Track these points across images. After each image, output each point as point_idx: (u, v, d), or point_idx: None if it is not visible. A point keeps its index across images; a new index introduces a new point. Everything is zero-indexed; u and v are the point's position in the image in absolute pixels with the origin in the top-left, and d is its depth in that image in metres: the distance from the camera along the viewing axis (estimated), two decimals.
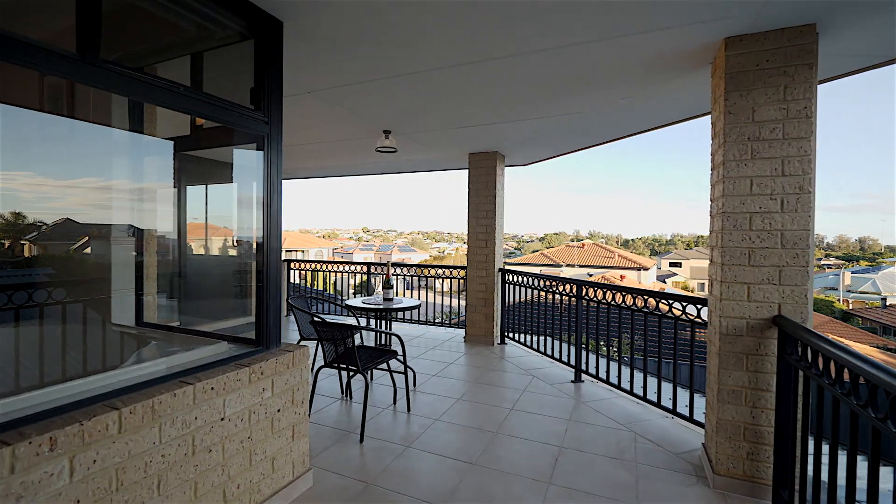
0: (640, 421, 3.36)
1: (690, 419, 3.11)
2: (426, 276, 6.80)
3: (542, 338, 5.35)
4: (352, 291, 7.69)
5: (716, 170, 2.60)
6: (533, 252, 45.83)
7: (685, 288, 36.80)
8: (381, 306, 3.83)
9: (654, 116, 3.97)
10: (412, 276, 6.87)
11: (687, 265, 45.13)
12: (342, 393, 3.88)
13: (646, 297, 3.52)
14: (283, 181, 7.87)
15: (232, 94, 2.20)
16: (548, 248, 54.08)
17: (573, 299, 4.39)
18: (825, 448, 1.79)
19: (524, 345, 5.40)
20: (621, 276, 23.21)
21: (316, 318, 3.83)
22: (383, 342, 4.10)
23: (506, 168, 6.18)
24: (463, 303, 5.99)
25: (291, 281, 7.79)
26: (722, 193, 2.44)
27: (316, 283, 7.84)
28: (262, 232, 2.33)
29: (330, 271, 7.52)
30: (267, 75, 2.32)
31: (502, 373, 4.56)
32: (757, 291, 2.35)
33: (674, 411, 3.25)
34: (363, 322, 6.35)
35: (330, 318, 6.97)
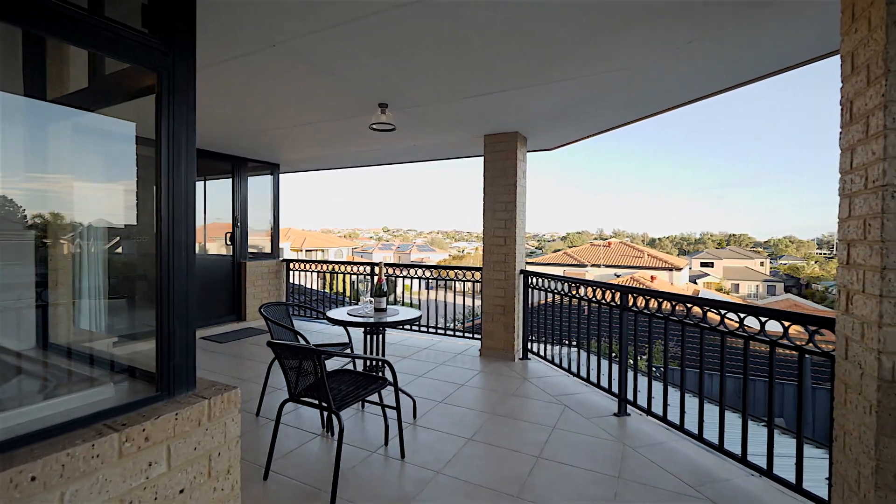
0: (718, 481, 2.45)
1: (798, 489, 2.18)
2: (435, 279, 5.97)
3: (572, 349, 4.46)
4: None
5: (859, 122, 1.68)
6: (555, 252, 44.47)
7: (719, 289, 34.82)
8: (370, 319, 3.02)
9: (727, 72, 3.04)
10: (418, 278, 6.05)
11: (720, 265, 42.90)
12: (323, 426, 3.09)
13: (721, 311, 2.60)
14: (283, 175, 7.10)
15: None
16: (570, 247, 52.55)
17: (614, 309, 3.50)
18: None
19: (551, 362, 4.50)
20: (652, 276, 21.82)
21: (299, 335, 3.06)
22: (376, 362, 3.29)
23: (528, 154, 5.30)
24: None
25: (291, 281, 7.08)
26: (881, 155, 1.53)
27: (335, 285, 7.13)
28: (162, 218, 1.54)
29: (339, 273, 6.79)
30: None
31: (525, 400, 3.69)
32: None
33: (769, 472, 2.32)
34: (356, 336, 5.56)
35: (317, 328, 6.25)
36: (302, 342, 3.19)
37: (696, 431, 2.78)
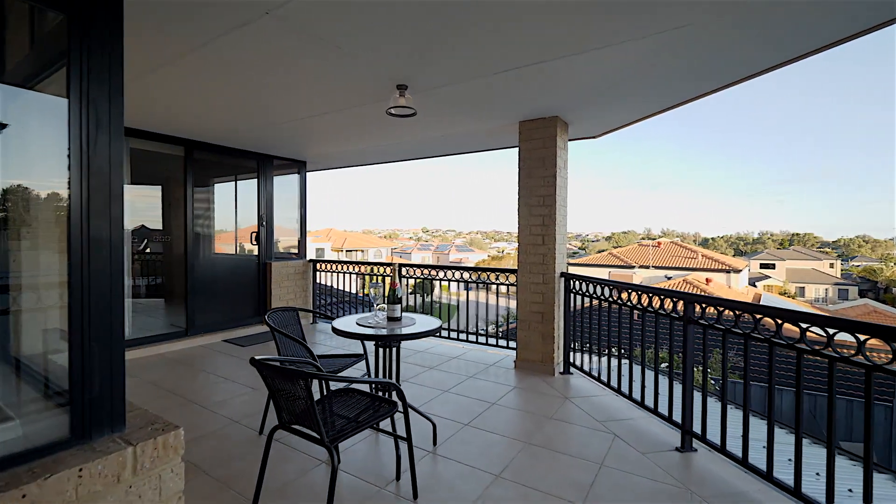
0: None
1: None
2: (465, 281, 5.50)
3: (622, 362, 3.85)
4: (408, 292, 6.60)
5: None
6: (599, 252, 42.69)
7: (783, 293, 31.98)
8: (381, 331, 2.60)
9: (830, 22, 2.39)
10: (447, 280, 5.60)
11: (782, 266, 39.57)
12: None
13: (828, 330, 1.97)
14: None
15: None
16: (616, 247, 50.38)
17: (676, 321, 2.90)
18: None
19: (597, 379, 3.91)
20: (707, 279, 20.19)
21: (305, 346, 2.70)
22: (391, 378, 2.86)
23: (569, 143, 4.72)
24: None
25: (318, 282, 6.83)
26: None
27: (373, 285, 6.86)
28: (73, 206, 1.17)
29: (373, 274, 6.49)
30: None
31: (566, 425, 3.15)
32: None
33: None
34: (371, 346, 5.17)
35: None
36: (307, 354, 2.82)
37: (790, 483, 2.15)
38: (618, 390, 3.57)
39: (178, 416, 3.24)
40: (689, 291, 2.96)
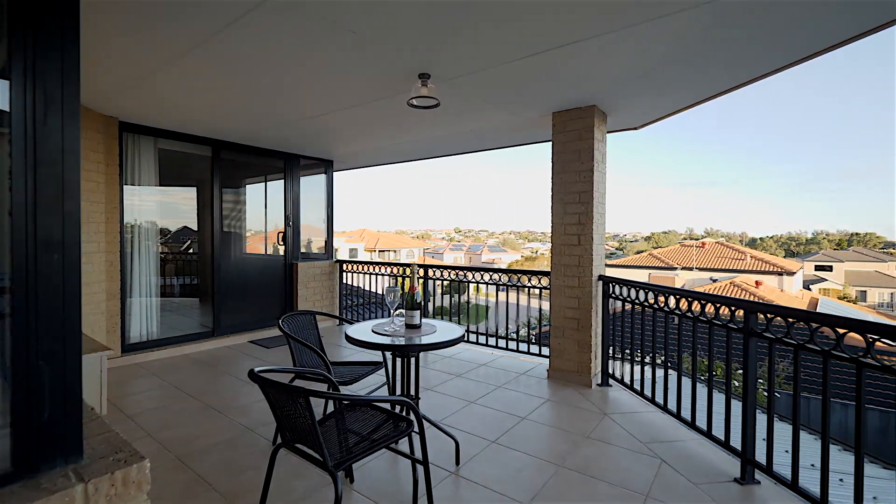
0: None
1: None
2: (495, 283, 5.21)
3: (668, 374, 3.47)
4: (441, 292, 6.41)
5: None
6: (638, 253, 41.08)
7: (842, 297, 29.63)
8: (399, 340, 2.37)
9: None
10: (475, 282, 5.32)
11: (840, 268, 36.76)
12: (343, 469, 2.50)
13: None
14: (342, 173, 6.73)
15: None
16: (655, 247, 48.38)
17: (735, 332, 2.52)
18: None
19: (639, 393, 3.54)
20: (757, 282, 18.92)
21: (319, 353, 2.52)
22: (410, 391, 2.63)
23: (607, 136, 4.36)
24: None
25: (345, 282, 6.72)
26: None
27: (404, 286, 6.72)
28: (20, 197, 1.00)
29: (384, 274, 6.32)
30: None
31: (605, 447, 2.82)
32: None
33: None
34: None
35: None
36: (321, 362, 2.63)
37: None
38: (664, 407, 3.20)
39: (194, 422, 3.14)
40: (750, 299, 2.59)
